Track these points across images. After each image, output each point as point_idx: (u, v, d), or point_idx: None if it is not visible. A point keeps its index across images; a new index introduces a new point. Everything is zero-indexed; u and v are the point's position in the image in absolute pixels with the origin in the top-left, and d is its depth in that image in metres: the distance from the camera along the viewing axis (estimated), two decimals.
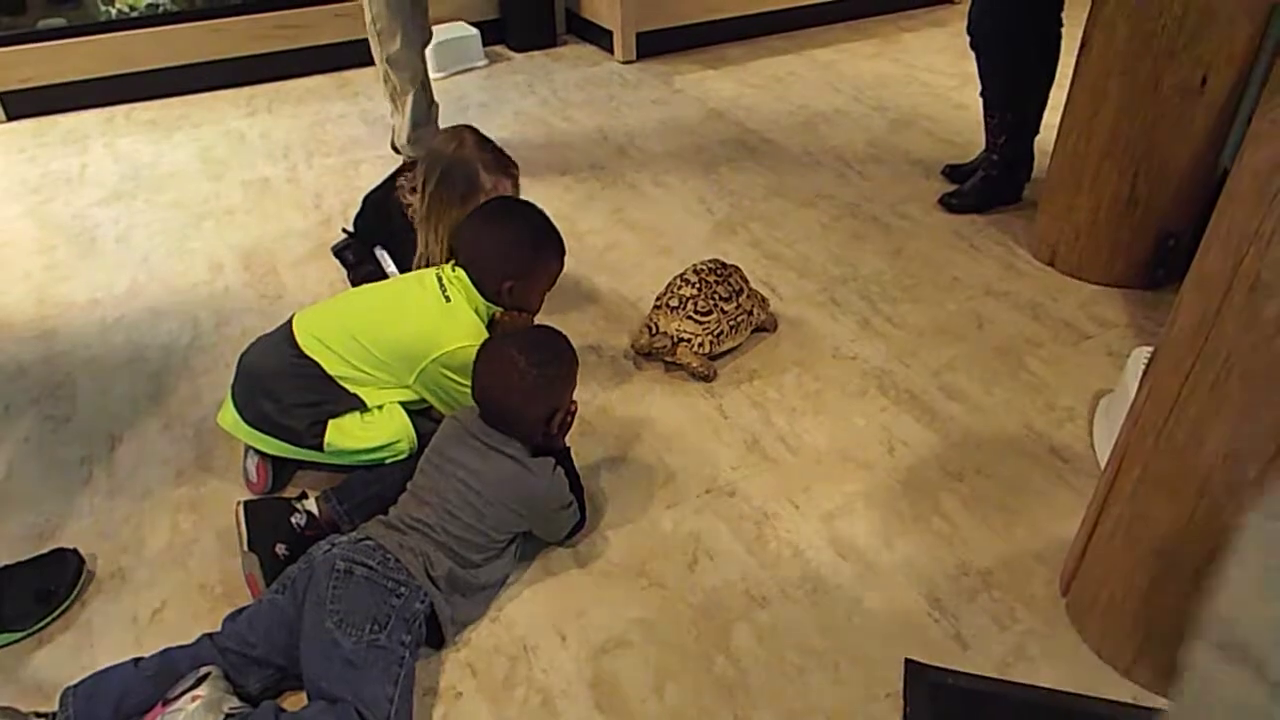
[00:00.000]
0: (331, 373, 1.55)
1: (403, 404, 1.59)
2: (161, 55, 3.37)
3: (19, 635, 1.39)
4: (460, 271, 1.65)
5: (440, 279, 1.63)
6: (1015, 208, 2.59)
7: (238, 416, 1.59)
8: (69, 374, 1.98)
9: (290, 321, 1.62)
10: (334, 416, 1.54)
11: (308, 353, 1.55)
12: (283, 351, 1.57)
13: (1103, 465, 1.69)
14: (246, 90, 3.50)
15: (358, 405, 1.56)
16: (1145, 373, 1.27)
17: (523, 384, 1.42)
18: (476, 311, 1.62)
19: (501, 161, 1.89)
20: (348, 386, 1.55)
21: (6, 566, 1.44)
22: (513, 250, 1.65)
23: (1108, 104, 2.06)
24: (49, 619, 1.42)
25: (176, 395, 1.91)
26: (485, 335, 1.59)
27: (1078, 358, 2.00)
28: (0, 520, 1.62)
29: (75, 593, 1.46)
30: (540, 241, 1.69)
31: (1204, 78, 1.94)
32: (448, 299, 1.60)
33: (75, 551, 1.49)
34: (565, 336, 1.51)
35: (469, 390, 1.48)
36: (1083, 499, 1.63)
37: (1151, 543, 1.23)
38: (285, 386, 1.55)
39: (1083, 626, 1.39)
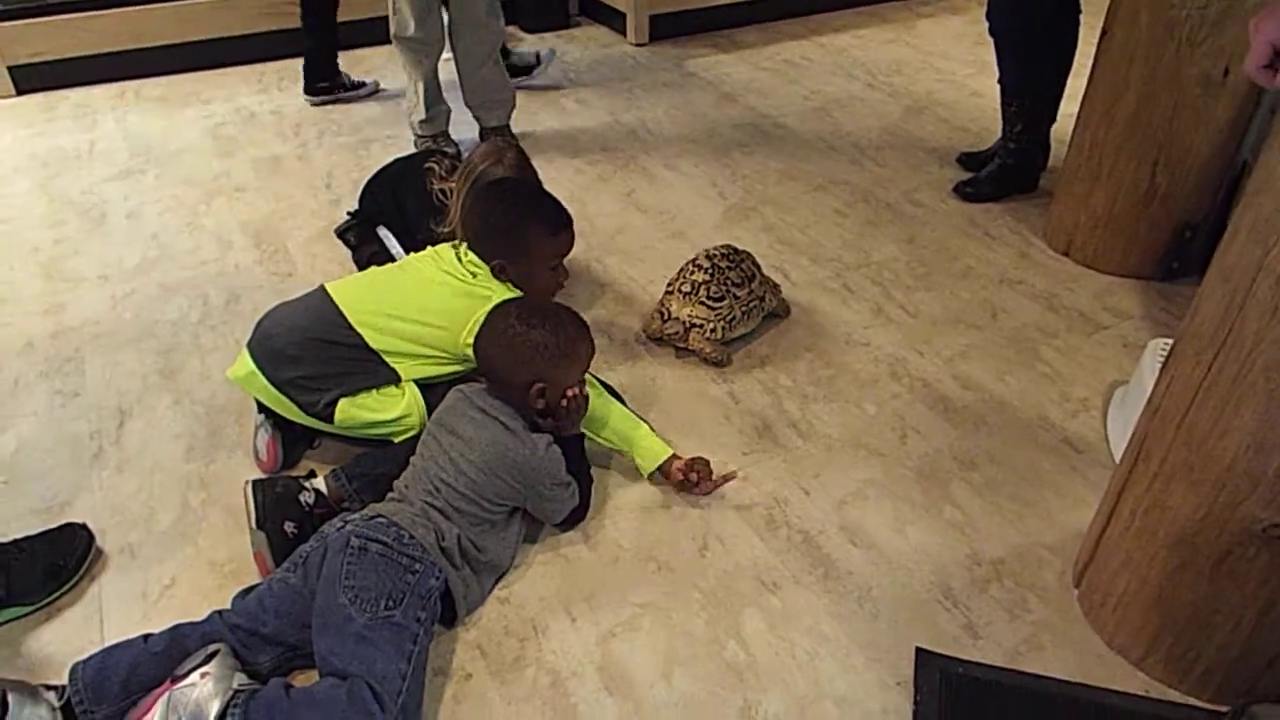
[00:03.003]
0: (375, 347, 1.55)
1: (421, 380, 1.59)
2: (173, 30, 3.35)
3: (28, 609, 1.39)
4: (472, 253, 1.66)
5: (459, 256, 1.65)
6: (1031, 196, 2.57)
7: (259, 373, 1.56)
8: (78, 349, 1.98)
9: (322, 292, 1.61)
10: (355, 393, 1.54)
11: (356, 327, 1.55)
12: (323, 320, 1.57)
13: (1116, 457, 1.68)
14: (258, 67, 3.48)
15: (390, 379, 1.56)
16: (1165, 363, 1.26)
17: (506, 340, 1.43)
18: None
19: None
20: (389, 360, 1.56)
21: (16, 540, 1.43)
22: (498, 229, 1.65)
23: (1128, 93, 2.03)
24: (58, 593, 1.42)
25: (186, 371, 1.90)
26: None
27: (1092, 348, 1.98)
28: (10, 495, 1.62)
29: (85, 567, 1.45)
30: (525, 219, 1.67)
31: (1226, 68, 1.91)
32: (472, 274, 1.62)
33: (85, 526, 1.49)
34: (581, 320, 1.51)
35: None
36: (1096, 490, 1.62)
37: (1169, 534, 1.22)
38: (317, 355, 1.54)
39: (1095, 617, 1.38)
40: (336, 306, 1.58)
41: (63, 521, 1.50)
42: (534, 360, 1.45)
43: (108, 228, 2.43)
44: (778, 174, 2.72)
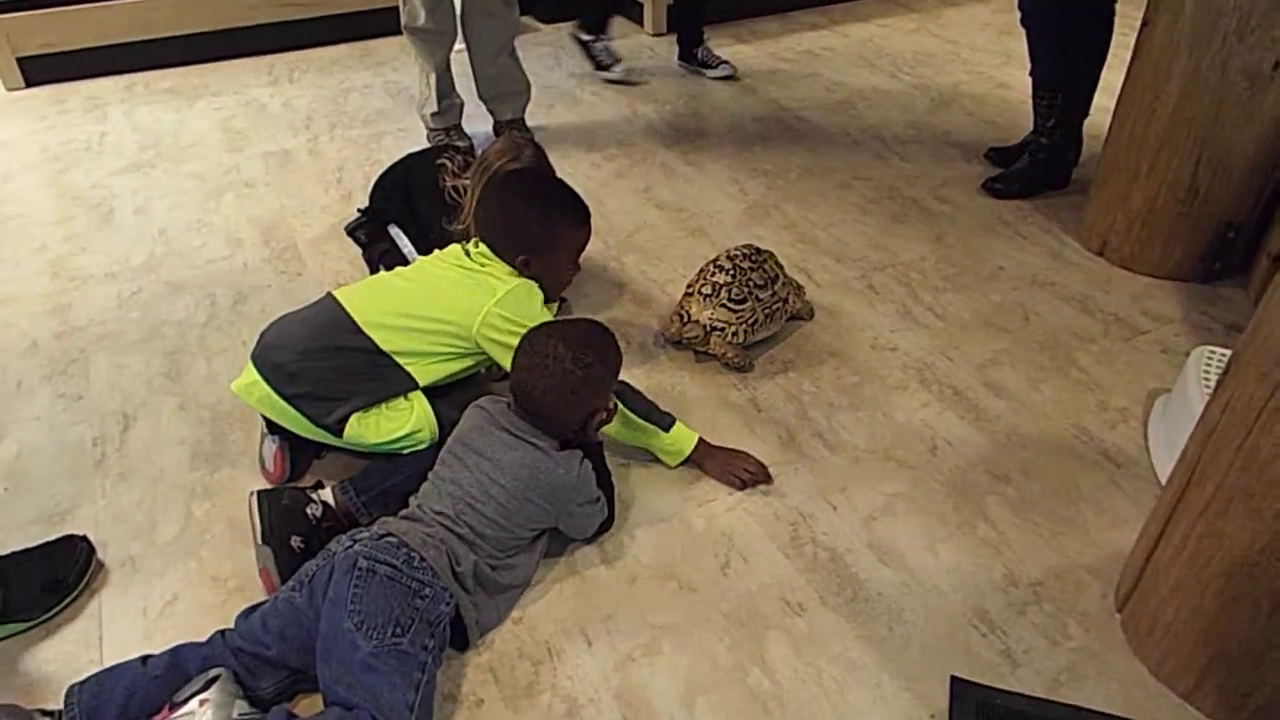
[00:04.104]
0: (387, 349, 1.49)
1: (433, 385, 1.53)
2: (183, 21, 3.30)
3: (26, 625, 1.34)
4: (482, 247, 1.60)
5: (468, 253, 1.60)
6: (1062, 193, 2.48)
7: (263, 383, 1.50)
8: (83, 350, 1.93)
9: (330, 300, 1.56)
10: (365, 409, 1.48)
11: (366, 330, 1.49)
12: (330, 328, 1.51)
13: (1159, 470, 1.61)
14: (268, 59, 3.43)
15: (403, 388, 1.50)
16: (1222, 380, 1.18)
17: (564, 384, 1.35)
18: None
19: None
20: (402, 362, 1.50)
21: (14, 554, 1.39)
22: (524, 222, 1.59)
23: (1170, 87, 1.94)
24: (57, 609, 1.37)
25: (192, 374, 1.85)
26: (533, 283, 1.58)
27: (1130, 354, 1.90)
28: (10, 503, 1.57)
29: (85, 582, 1.40)
30: (553, 213, 1.62)
31: (1276, 62, 1.82)
32: (481, 265, 1.58)
33: (85, 539, 1.44)
34: (612, 334, 1.44)
35: None
36: (1138, 507, 1.54)
37: (1224, 563, 1.14)
38: (322, 365, 1.49)
39: (1140, 646, 1.31)
40: (346, 312, 1.52)
41: (63, 533, 1.45)
42: (593, 396, 1.40)
43: (116, 223, 2.38)
44: (800, 169, 2.64)
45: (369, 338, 1.50)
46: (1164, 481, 1.55)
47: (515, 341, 1.50)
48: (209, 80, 3.25)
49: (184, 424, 1.73)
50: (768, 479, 1.59)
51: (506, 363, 1.52)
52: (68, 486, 1.60)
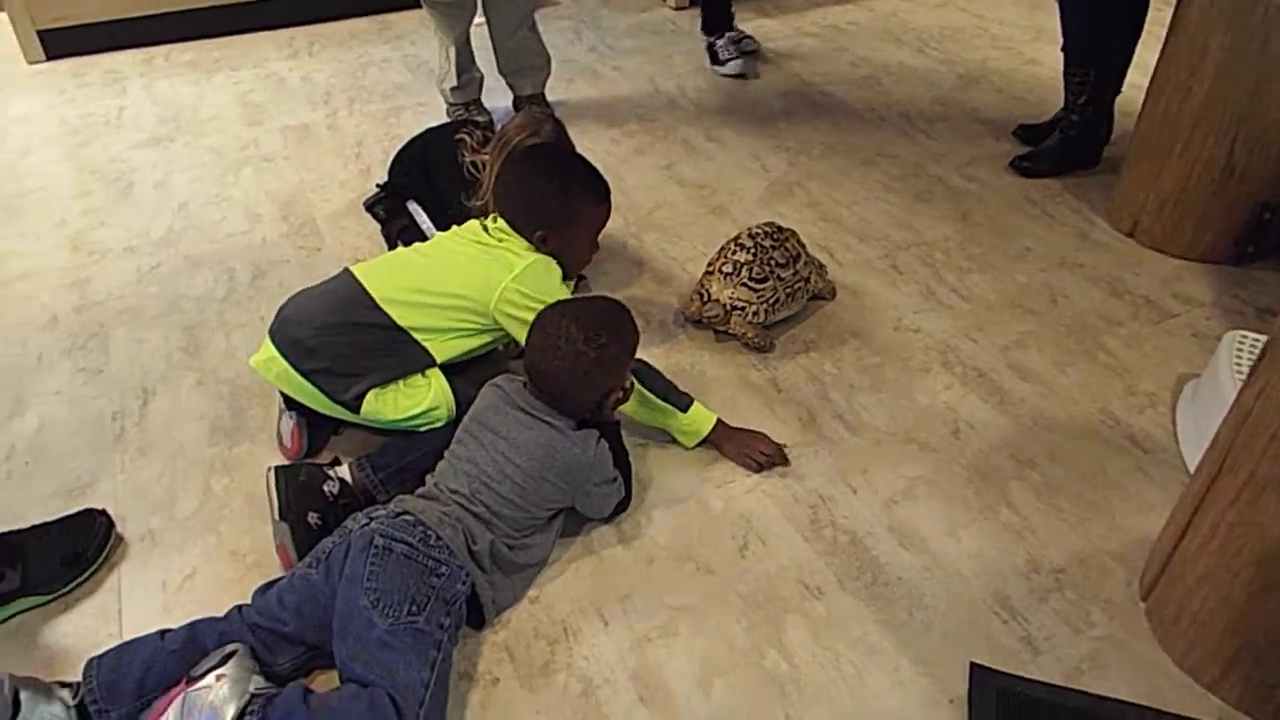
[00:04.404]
0: (404, 325, 1.48)
1: (449, 362, 1.52)
2: None
3: (46, 598, 1.35)
4: (501, 222, 1.58)
5: (486, 228, 1.58)
6: (1093, 173, 2.43)
7: (281, 358, 1.49)
8: (102, 324, 1.93)
9: (347, 275, 1.55)
10: (383, 385, 1.47)
11: (383, 305, 1.48)
12: (347, 303, 1.51)
13: (1187, 457, 1.58)
14: (287, 32, 3.40)
15: (420, 365, 1.49)
16: (1257, 366, 1.15)
17: (577, 364, 1.33)
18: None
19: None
20: (419, 338, 1.49)
21: (34, 527, 1.39)
22: (544, 198, 1.57)
23: (1207, 63, 1.89)
24: (76, 582, 1.38)
25: (211, 349, 1.85)
26: (551, 259, 1.57)
27: (1159, 338, 1.86)
28: (30, 477, 1.58)
29: (104, 556, 1.41)
30: (572, 188, 1.60)
31: None
32: (499, 241, 1.56)
33: (104, 512, 1.44)
34: (629, 312, 1.43)
35: None
36: (1164, 493, 1.52)
37: (1256, 552, 1.12)
38: (340, 341, 1.48)
39: (1165, 635, 1.28)
40: (362, 287, 1.51)
41: (83, 506, 1.46)
42: (607, 376, 1.39)
43: (135, 197, 2.38)
44: (823, 146, 2.60)
45: (386, 313, 1.49)
46: (1192, 469, 1.53)
47: (532, 315, 1.49)
48: (228, 53, 3.24)
49: (203, 399, 1.73)
50: (785, 461, 1.57)
51: (523, 339, 1.51)
52: (87, 460, 1.61)
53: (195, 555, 1.43)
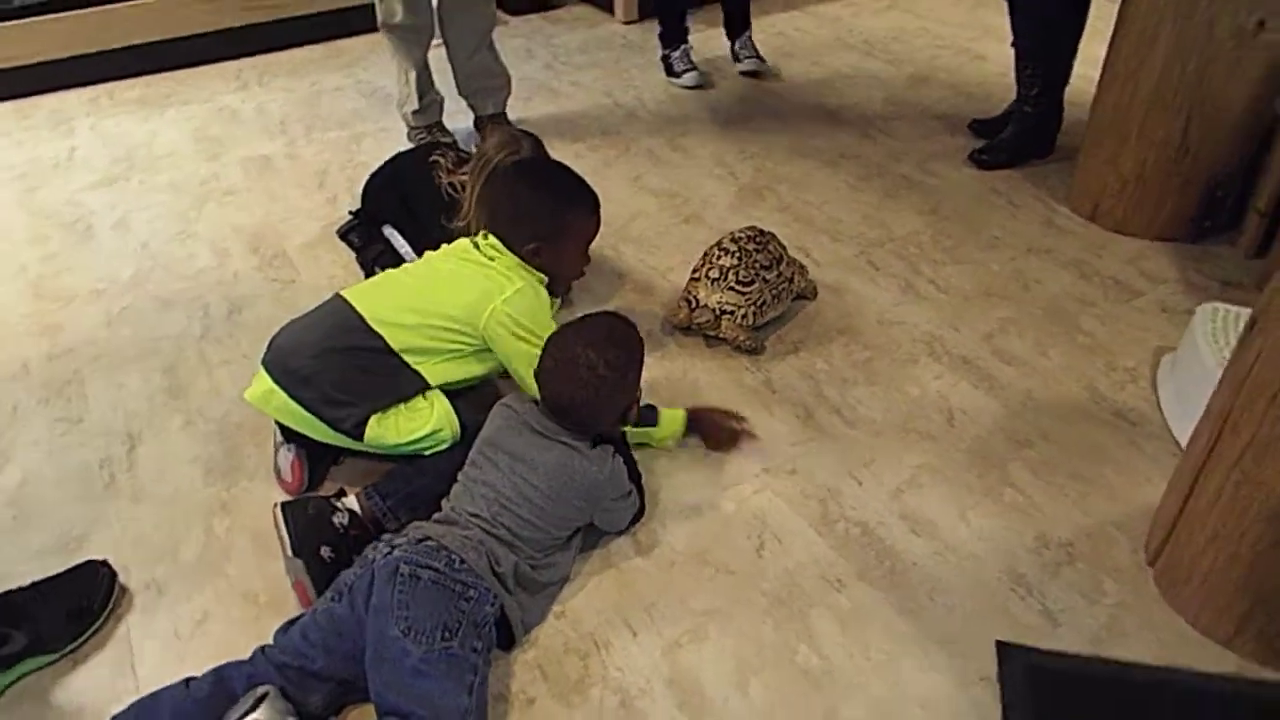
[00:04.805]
0: (397, 347, 1.46)
1: (444, 388, 1.50)
2: (145, 30, 3.20)
3: (54, 657, 1.30)
4: (492, 239, 1.57)
5: (477, 245, 1.57)
6: (1048, 161, 2.51)
7: (279, 391, 1.46)
8: (76, 371, 1.88)
9: (339, 299, 1.53)
10: (384, 410, 1.45)
11: (375, 328, 1.47)
12: (340, 327, 1.48)
13: (1173, 427, 1.63)
14: (234, 64, 3.35)
15: (415, 389, 1.47)
16: (1249, 331, 1.19)
17: (600, 387, 1.33)
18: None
19: None
20: (411, 361, 1.47)
21: (35, 584, 1.34)
22: (534, 211, 1.57)
23: (1157, 50, 1.97)
24: (84, 637, 1.33)
25: (195, 389, 1.81)
26: (539, 282, 1.57)
27: (1132, 316, 1.93)
28: (20, 532, 1.52)
29: (110, 608, 1.37)
30: (563, 200, 1.61)
31: (1261, 20, 1.85)
32: (490, 259, 1.55)
33: (106, 563, 1.40)
34: (631, 323, 1.44)
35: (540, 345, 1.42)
36: (1156, 464, 1.57)
37: (1264, 508, 1.16)
38: (335, 366, 1.45)
39: (1176, 597, 1.33)
40: (354, 310, 1.49)
41: (81, 559, 1.41)
42: (627, 393, 1.40)
43: (96, 240, 2.32)
44: (786, 150, 2.64)
45: (379, 335, 1.48)
46: (1179, 437, 1.59)
47: (522, 344, 1.49)
48: (176, 88, 3.17)
49: (192, 440, 1.69)
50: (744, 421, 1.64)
51: (513, 361, 1.51)
52: (79, 512, 1.56)
53: (206, 600, 1.40)
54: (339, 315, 1.51)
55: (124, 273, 2.18)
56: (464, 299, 1.51)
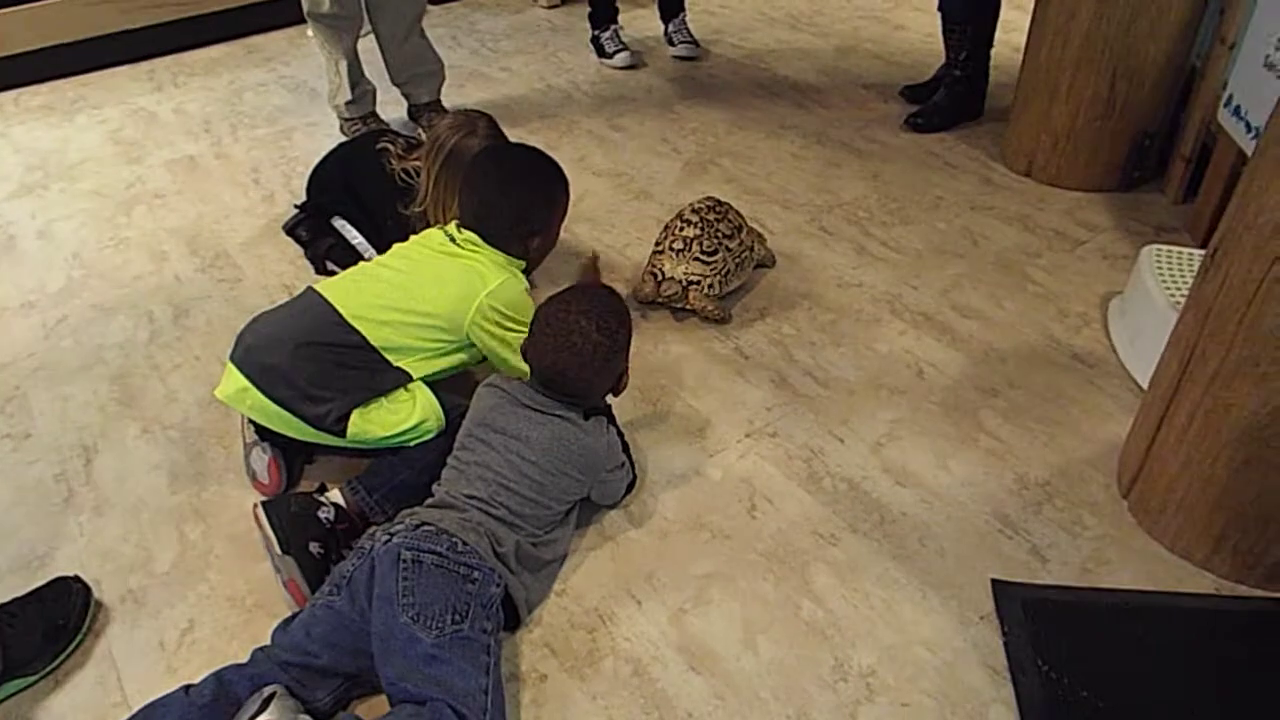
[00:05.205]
0: (377, 344, 1.42)
1: (425, 379, 1.47)
2: (43, 33, 3.04)
3: (34, 678, 1.23)
4: (469, 234, 1.53)
5: (452, 238, 1.53)
6: (979, 122, 2.58)
7: (253, 389, 1.41)
8: (17, 387, 1.78)
9: (312, 293, 1.48)
10: (364, 404, 1.41)
11: (353, 324, 1.42)
12: (316, 322, 1.43)
13: (1128, 365, 1.70)
14: (145, 65, 3.21)
15: (396, 384, 1.43)
16: (1207, 265, 1.25)
17: (596, 356, 1.32)
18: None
19: None
20: (392, 359, 1.42)
21: (4, 605, 1.27)
22: (529, 207, 1.55)
23: (1083, 7, 2.04)
24: (63, 656, 1.26)
25: (148, 396, 1.73)
26: (519, 270, 1.55)
27: (1076, 264, 2.00)
28: None
29: (87, 624, 1.30)
30: (551, 187, 1.60)
31: None
32: (469, 253, 1.51)
33: (77, 578, 1.33)
34: (616, 292, 1.43)
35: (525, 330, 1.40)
36: (1116, 401, 1.63)
37: (1233, 431, 1.22)
38: (313, 361, 1.40)
39: (1153, 524, 1.39)
40: (330, 304, 1.45)
41: (50, 577, 1.34)
42: (620, 360, 1.39)
43: (19, 251, 2.20)
44: (726, 124, 2.66)
45: (357, 331, 1.43)
46: (1136, 374, 1.66)
47: (507, 334, 1.48)
48: (85, 92, 3.02)
49: (152, 448, 1.62)
50: None
51: (498, 350, 1.50)
52: (39, 529, 1.48)
53: (189, 607, 1.34)
54: (314, 310, 1.46)
55: (55, 284, 2.07)
56: (446, 296, 1.47)
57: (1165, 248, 1.75)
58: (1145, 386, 1.46)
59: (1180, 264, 1.70)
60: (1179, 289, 1.63)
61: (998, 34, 2.50)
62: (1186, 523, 1.33)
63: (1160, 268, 1.70)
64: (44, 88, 3.06)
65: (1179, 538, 1.35)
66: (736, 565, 1.37)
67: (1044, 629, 1.25)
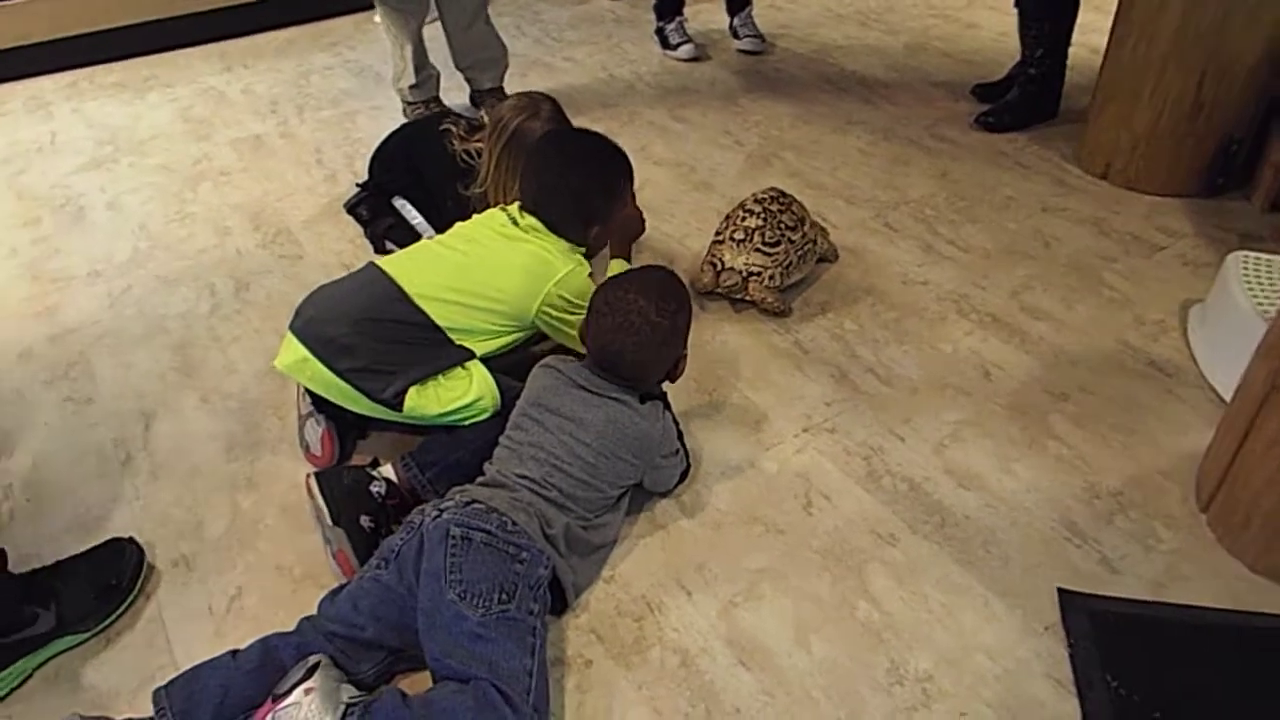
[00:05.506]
0: (442, 324, 1.42)
1: (484, 356, 1.46)
2: (122, 13, 3.11)
3: (85, 636, 1.25)
4: (530, 219, 1.52)
5: (514, 221, 1.52)
6: (1053, 123, 2.50)
7: (313, 359, 1.40)
8: (81, 352, 1.81)
9: (375, 269, 1.47)
10: (423, 380, 1.40)
11: (419, 303, 1.42)
12: (379, 298, 1.43)
13: (1209, 375, 1.62)
14: (217, 46, 3.26)
15: (458, 360, 1.42)
16: None
17: (654, 337, 1.30)
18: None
19: None
20: (456, 338, 1.42)
21: (60, 562, 1.28)
22: (587, 193, 1.54)
23: (1173, 4, 1.95)
24: (114, 615, 1.27)
25: (208, 367, 1.75)
26: (583, 257, 1.55)
27: (1154, 270, 1.92)
28: (36, 514, 1.46)
29: (139, 585, 1.31)
30: (610, 174, 1.58)
31: None
32: (533, 236, 1.51)
33: (132, 540, 1.34)
34: (676, 275, 1.40)
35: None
36: (1196, 412, 1.56)
37: None
38: (374, 337, 1.40)
39: (1234, 541, 1.31)
40: (394, 282, 1.44)
41: (105, 537, 1.35)
42: (680, 341, 1.37)
43: (88, 222, 2.24)
44: (790, 118, 2.62)
45: (422, 310, 1.43)
46: (1217, 385, 1.58)
47: (573, 316, 1.48)
48: (157, 71, 3.08)
49: (210, 417, 1.63)
50: None
51: (562, 332, 1.51)
52: (96, 492, 1.49)
53: (238, 575, 1.34)
54: (377, 286, 1.46)
55: (121, 254, 2.11)
56: (513, 285, 1.47)
57: (1253, 254, 1.67)
58: (1228, 397, 1.39)
59: (1269, 272, 1.62)
60: (1267, 297, 1.55)
61: (1075, 35, 2.42)
62: (1272, 541, 1.26)
63: (1247, 275, 1.62)
64: (117, 66, 3.13)
65: (1262, 555, 1.28)
66: (790, 561, 1.33)
67: (1114, 643, 1.19)
